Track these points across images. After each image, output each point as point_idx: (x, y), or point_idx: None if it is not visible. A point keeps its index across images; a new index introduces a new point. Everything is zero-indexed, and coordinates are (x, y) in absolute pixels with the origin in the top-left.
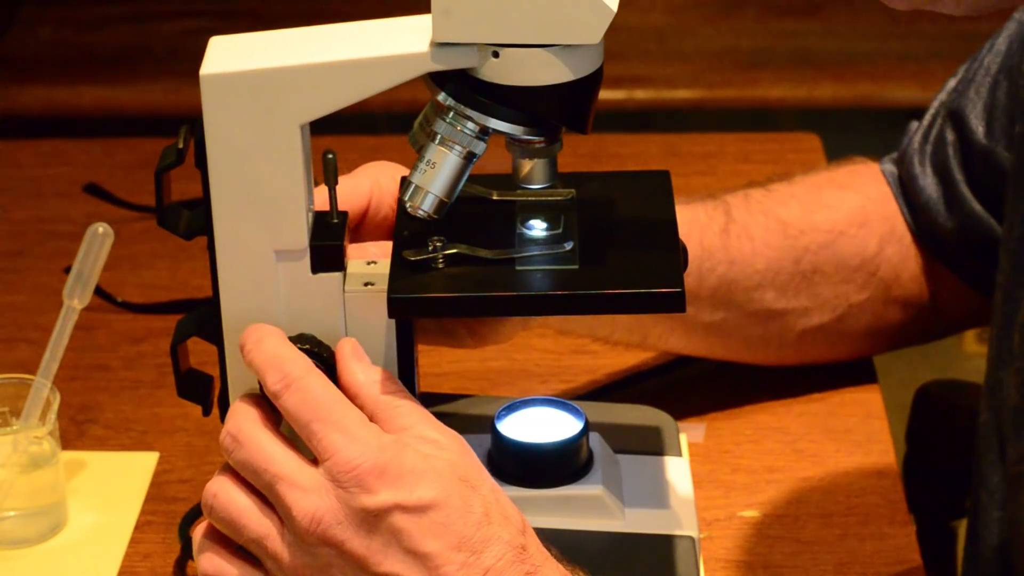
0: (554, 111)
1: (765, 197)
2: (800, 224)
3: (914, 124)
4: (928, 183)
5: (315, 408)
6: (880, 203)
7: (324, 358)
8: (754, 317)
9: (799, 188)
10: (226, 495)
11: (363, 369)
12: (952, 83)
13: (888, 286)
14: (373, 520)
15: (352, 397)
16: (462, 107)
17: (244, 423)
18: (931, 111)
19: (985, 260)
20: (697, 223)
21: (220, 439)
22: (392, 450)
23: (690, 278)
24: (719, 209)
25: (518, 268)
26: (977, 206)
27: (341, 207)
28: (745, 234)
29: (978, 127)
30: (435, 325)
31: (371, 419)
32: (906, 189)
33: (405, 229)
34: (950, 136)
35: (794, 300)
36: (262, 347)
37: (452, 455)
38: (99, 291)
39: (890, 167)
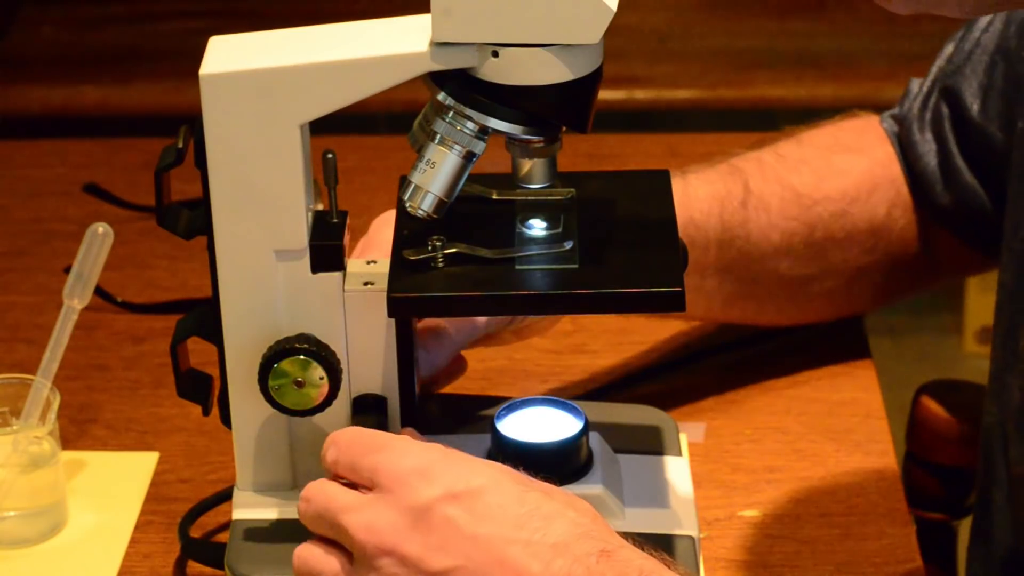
0: (554, 110)
1: (778, 163)
2: (813, 194)
3: (915, 84)
4: (928, 150)
5: (362, 447)
6: (886, 166)
7: (323, 358)
8: (766, 284)
9: (809, 151)
10: (308, 552)
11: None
12: (950, 48)
13: (891, 246)
14: (425, 516)
15: None
16: (462, 106)
17: (312, 483)
18: (930, 77)
19: (980, 223)
20: (718, 199)
21: (298, 511)
22: (437, 451)
23: (709, 253)
24: (738, 182)
25: (518, 267)
26: (971, 178)
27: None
28: (762, 206)
29: (973, 104)
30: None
31: None
32: (906, 153)
33: (405, 229)
34: (945, 110)
35: (806, 267)
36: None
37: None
38: (99, 291)
39: (891, 124)
